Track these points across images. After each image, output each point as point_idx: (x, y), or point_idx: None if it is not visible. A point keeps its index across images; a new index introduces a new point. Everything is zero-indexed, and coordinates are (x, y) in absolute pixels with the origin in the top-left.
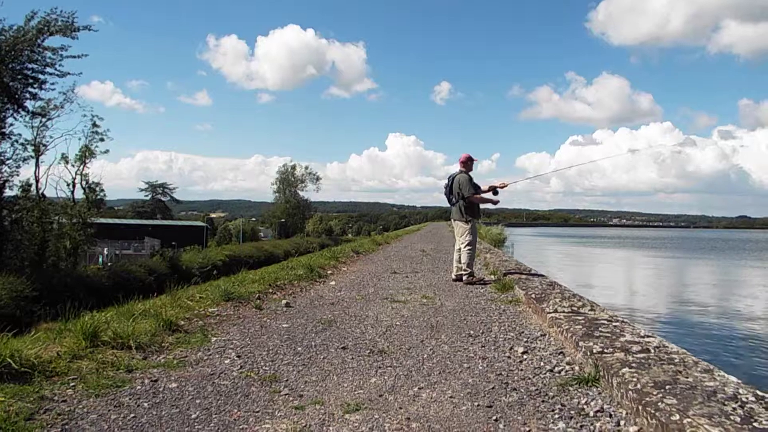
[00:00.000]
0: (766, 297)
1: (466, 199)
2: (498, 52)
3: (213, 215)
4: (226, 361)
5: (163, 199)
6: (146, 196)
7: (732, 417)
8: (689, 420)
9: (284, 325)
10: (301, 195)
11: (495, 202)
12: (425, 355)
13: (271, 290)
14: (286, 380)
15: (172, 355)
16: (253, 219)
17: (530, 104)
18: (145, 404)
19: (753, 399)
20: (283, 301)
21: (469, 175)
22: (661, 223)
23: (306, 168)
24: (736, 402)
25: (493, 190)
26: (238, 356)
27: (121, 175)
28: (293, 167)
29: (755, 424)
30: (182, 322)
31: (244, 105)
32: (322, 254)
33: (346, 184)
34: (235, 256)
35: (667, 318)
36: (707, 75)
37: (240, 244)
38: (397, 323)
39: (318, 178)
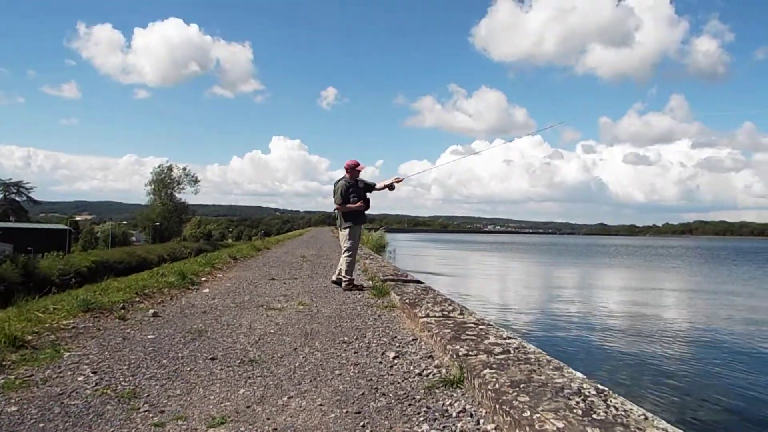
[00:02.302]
0: (617, 297)
1: (336, 208)
2: (384, 61)
3: (78, 218)
4: (79, 378)
5: (18, 199)
6: None
7: (575, 410)
8: (538, 415)
9: (150, 337)
10: (178, 197)
11: (364, 209)
12: (297, 363)
13: (138, 299)
14: (147, 395)
15: (14, 374)
16: (125, 222)
17: (414, 113)
18: None
19: (594, 393)
20: (151, 311)
21: (350, 182)
22: (531, 230)
23: (184, 169)
24: (580, 396)
25: (390, 186)
26: (94, 372)
27: None
28: (170, 168)
29: (594, 416)
30: (30, 337)
31: (118, 100)
32: (197, 260)
33: (227, 187)
34: (102, 262)
35: (531, 318)
36: (574, 93)
37: (109, 249)
38: (271, 331)
39: (197, 180)
